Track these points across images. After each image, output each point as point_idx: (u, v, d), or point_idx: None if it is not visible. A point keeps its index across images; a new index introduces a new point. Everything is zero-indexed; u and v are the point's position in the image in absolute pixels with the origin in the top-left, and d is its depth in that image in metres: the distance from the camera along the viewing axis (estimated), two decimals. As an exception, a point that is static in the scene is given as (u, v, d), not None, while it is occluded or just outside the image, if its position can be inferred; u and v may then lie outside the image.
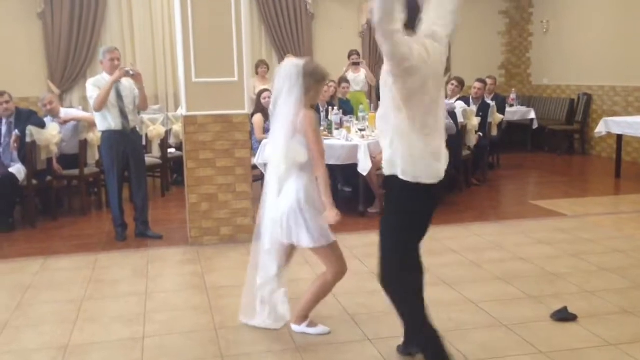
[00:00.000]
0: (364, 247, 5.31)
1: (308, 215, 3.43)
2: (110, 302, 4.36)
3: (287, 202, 3.46)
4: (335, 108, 7.56)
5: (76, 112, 7.58)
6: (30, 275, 4.95)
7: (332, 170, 7.08)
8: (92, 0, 10.14)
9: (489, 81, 9.27)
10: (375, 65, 11.29)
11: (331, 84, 8.64)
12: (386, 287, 3.10)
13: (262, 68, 9.91)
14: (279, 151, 3.46)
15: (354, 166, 6.38)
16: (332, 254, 3.53)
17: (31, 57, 10.12)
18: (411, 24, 2.82)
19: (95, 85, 5.70)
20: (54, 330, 3.89)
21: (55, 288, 4.67)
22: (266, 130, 7.19)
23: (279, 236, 3.51)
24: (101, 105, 5.61)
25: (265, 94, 7.45)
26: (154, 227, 6.12)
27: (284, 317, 3.75)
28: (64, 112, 7.24)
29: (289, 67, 3.49)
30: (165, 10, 10.52)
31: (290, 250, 3.67)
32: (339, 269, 3.55)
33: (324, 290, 3.62)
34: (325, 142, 6.63)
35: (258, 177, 6.81)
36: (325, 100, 8.06)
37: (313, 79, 3.48)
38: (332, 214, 3.39)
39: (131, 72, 5.67)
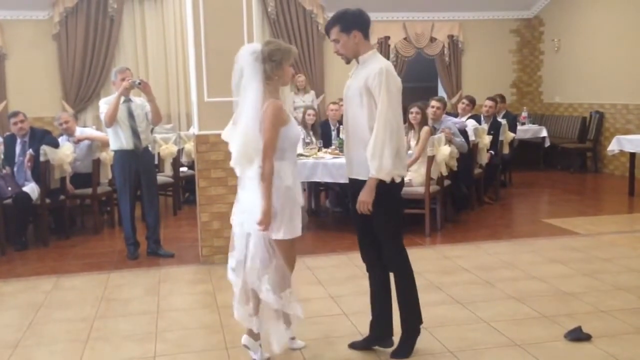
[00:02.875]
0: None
1: (280, 207, 3.28)
2: (121, 321, 4.36)
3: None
4: (347, 127, 7.55)
5: (91, 132, 7.66)
6: (43, 293, 4.97)
7: (343, 188, 7.09)
8: (106, 21, 10.29)
9: (488, 103, 9.16)
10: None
11: (342, 103, 8.68)
12: None
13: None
14: (248, 147, 3.23)
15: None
16: (291, 248, 3.42)
17: (46, 78, 10.25)
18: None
19: (107, 103, 5.76)
20: (65, 349, 3.90)
21: (67, 307, 4.68)
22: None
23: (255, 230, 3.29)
24: (111, 120, 5.64)
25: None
26: (166, 245, 6.14)
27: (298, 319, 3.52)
28: (80, 131, 7.32)
29: (246, 54, 3.23)
30: (178, 31, 10.64)
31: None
32: (292, 266, 3.47)
33: None
34: (337, 160, 6.68)
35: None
36: (337, 119, 8.10)
37: (273, 62, 3.23)
38: (265, 219, 3.20)
39: (137, 82, 5.68)
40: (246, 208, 3.35)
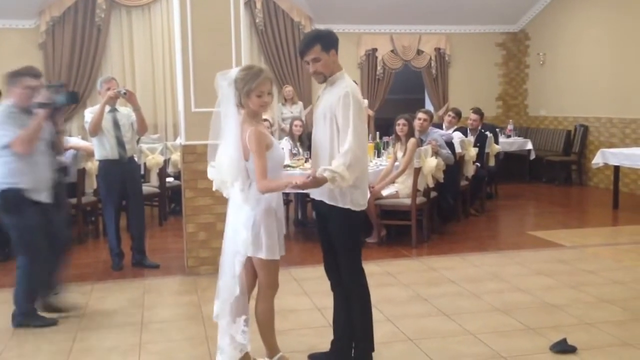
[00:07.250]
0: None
1: (265, 227, 3.25)
2: (105, 333, 4.31)
3: (248, 213, 3.26)
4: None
5: (76, 141, 7.59)
6: (25, 304, 4.89)
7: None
8: (94, 30, 10.26)
9: (473, 117, 9.04)
10: (374, 97, 11.38)
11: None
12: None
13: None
14: (232, 171, 3.28)
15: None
16: (274, 269, 3.37)
17: (31, 87, 10.18)
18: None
19: (92, 112, 5.73)
20: (47, 360, 3.85)
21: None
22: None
23: (240, 249, 3.28)
24: (95, 129, 5.61)
25: (264, 124, 7.48)
26: (151, 256, 6.09)
27: (244, 347, 3.37)
28: (65, 140, 7.25)
29: (220, 79, 3.22)
30: (165, 41, 10.63)
31: (252, 272, 3.39)
32: (274, 286, 3.42)
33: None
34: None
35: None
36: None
37: (243, 88, 3.18)
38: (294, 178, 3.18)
39: (123, 92, 5.67)
40: (232, 226, 3.34)
